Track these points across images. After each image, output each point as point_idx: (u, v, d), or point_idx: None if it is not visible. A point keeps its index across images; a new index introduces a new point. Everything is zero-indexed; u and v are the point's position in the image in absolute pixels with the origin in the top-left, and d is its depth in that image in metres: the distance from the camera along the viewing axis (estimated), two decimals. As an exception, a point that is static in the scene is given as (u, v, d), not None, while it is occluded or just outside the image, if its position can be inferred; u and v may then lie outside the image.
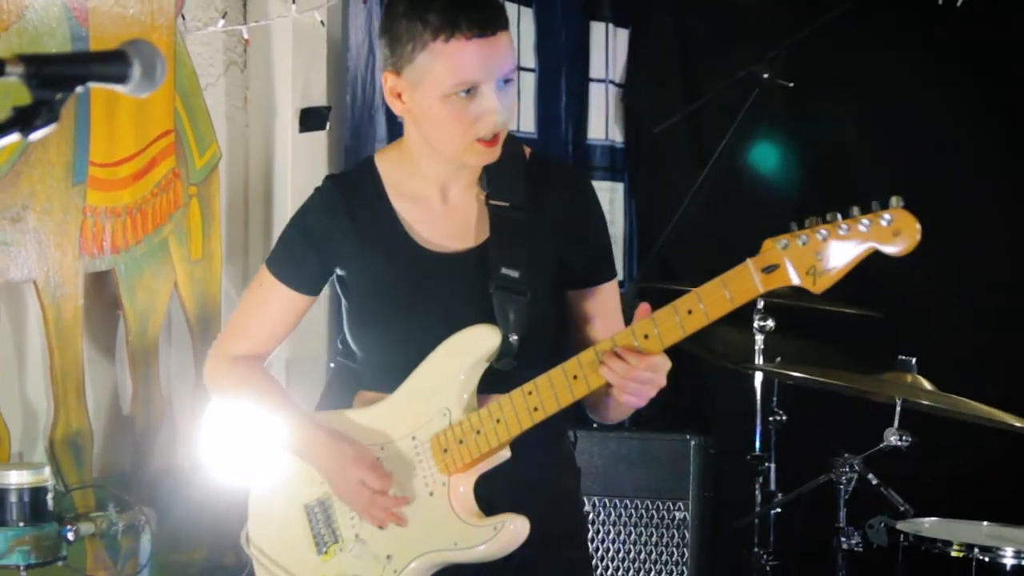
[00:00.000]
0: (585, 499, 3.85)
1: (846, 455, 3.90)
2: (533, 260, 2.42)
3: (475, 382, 2.40)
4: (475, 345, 2.39)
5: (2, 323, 3.47)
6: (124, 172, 3.68)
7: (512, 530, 2.36)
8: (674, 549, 3.83)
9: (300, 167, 4.14)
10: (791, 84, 4.69)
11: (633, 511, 3.85)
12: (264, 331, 2.57)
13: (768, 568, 4.13)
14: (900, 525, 3.80)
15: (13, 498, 3.29)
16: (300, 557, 2.52)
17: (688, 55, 5.42)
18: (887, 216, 2.12)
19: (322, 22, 4.04)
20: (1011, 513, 3.90)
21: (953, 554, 3.64)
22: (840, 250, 2.14)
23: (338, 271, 2.51)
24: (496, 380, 2.39)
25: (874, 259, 2.23)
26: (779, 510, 4.19)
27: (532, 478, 2.44)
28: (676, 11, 5.41)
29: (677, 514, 3.81)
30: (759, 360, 4.11)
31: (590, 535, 3.86)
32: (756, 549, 4.17)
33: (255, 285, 2.59)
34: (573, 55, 5.17)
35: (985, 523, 3.92)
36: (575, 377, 2.31)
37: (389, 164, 2.50)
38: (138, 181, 3.73)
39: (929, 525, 3.88)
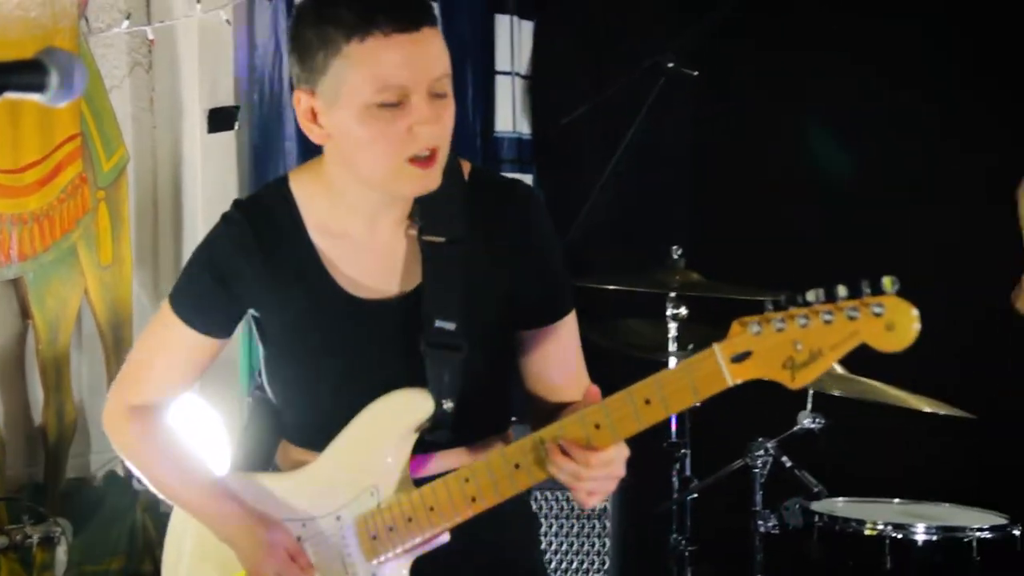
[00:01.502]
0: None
1: (760, 439, 3.96)
2: (472, 307, 2.15)
3: (406, 455, 2.15)
4: (404, 414, 2.14)
5: (-94, 334, 3.42)
6: (29, 178, 3.65)
7: None
8: (595, 539, 3.86)
9: (210, 167, 4.12)
10: (695, 73, 4.74)
11: (554, 503, 3.88)
12: (168, 378, 2.27)
13: (686, 553, 4.18)
14: (814, 506, 3.87)
15: (-78, 513, 3.27)
16: None
17: (594, 46, 5.46)
18: (878, 306, 1.82)
19: (228, 21, 4.01)
20: (920, 490, 3.99)
21: (867, 532, 3.73)
22: (824, 342, 1.86)
23: (252, 311, 2.24)
24: (430, 448, 2.17)
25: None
26: (696, 496, 4.24)
27: (478, 551, 2.20)
28: (581, 2, 5.44)
29: (596, 505, 3.85)
30: (672, 348, 4.15)
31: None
32: (674, 535, 4.21)
33: (157, 326, 2.29)
34: (478, 48, 5.18)
35: (896, 500, 4.01)
36: (517, 466, 2.07)
37: (307, 191, 2.20)
38: (44, 187, 3.69)
39: (842, 505, 3.97)
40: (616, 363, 4.74)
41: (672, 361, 4.24)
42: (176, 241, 4.08)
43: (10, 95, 1.57)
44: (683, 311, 4.15)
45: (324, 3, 2.04)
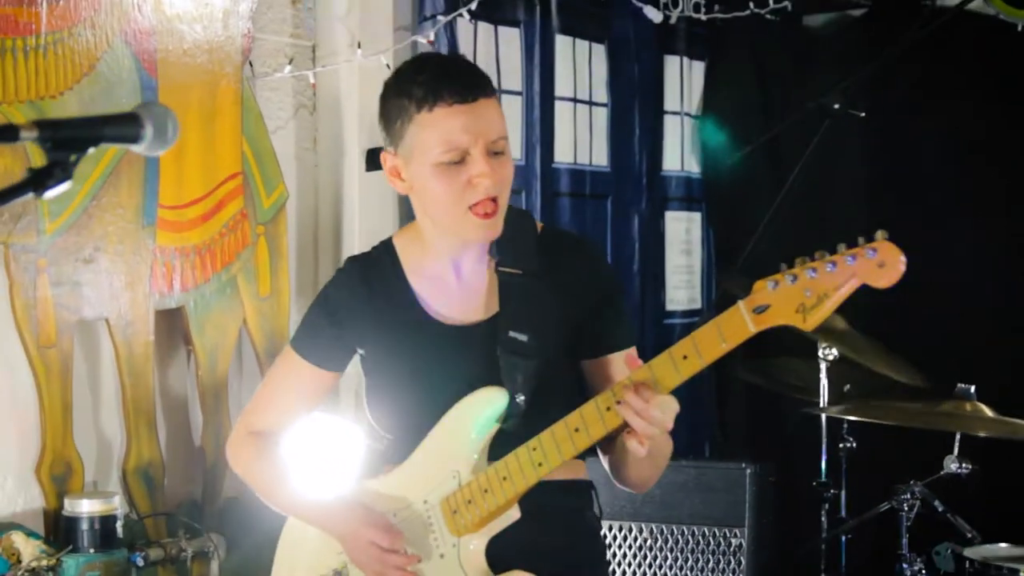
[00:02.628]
0: (643, 525, 3.91)
1: (910, 482, 3.91)
2: (541, 325, 2.45)
3: (484, 443, 2.45)
4: (482, 406, 2.44)
5: (77, 359, 3.62)
6: (192, 214, 3.84)
7: None
8: (730, 574, 3.86)
9: (367, 204, 4.25)
10: (862, 114, 4.72)
11: (690, 537, 3.89)
12: (286, 407, 2.65)
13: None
14: (967, 551, 3.79)
15: (84, 526, 3.46)
16: None
17: (764, 85, 5.48)
18: (872, 250, 2.13)
19: (388, 65, 4.16)
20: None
21: (1018, 579, 3.64)
22: (829, 286, 2.15)
23: (359, 350, 2.59)
24: (506, 442, 2.43)
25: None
26: (849, 535, 4.19)
27: (546, 544, 2.47)
28: (752, 43, 5.46)
29: (733, 540, 3.84)
30: (824, 388, 4.12)
31: (648, 560, 3.91)
32: (823, 575, 4.18)
33: (280, 363, 2.69)
34: (646, 88, 5.24)
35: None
36: (576, 429, 2.34)
37: (405, 243, 2.57)
38: (207, 222, 3.88)
39: (996, 551, 3.87)
40: (771, 400, 4.76)
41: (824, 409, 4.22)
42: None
43: (106, 145, 1.72)
44: (834, 352, 4.12)
45: (402, 80, 2.43)
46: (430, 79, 2.36)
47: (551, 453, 2.37)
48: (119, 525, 3.52)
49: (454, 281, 2.52)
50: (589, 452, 2.47)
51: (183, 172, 3.82)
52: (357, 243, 4.17)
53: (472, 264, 2.52)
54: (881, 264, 2.12)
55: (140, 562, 3.56)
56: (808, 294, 2.16)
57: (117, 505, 3.53)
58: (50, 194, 1.65)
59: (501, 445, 2.44)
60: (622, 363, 2.44)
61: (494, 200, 2.39)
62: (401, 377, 2.52)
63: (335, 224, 4.29)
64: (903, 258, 2.13)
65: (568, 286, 2.49)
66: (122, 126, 1.71)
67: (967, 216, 5.03)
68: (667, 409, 2.27)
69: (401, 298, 2.53)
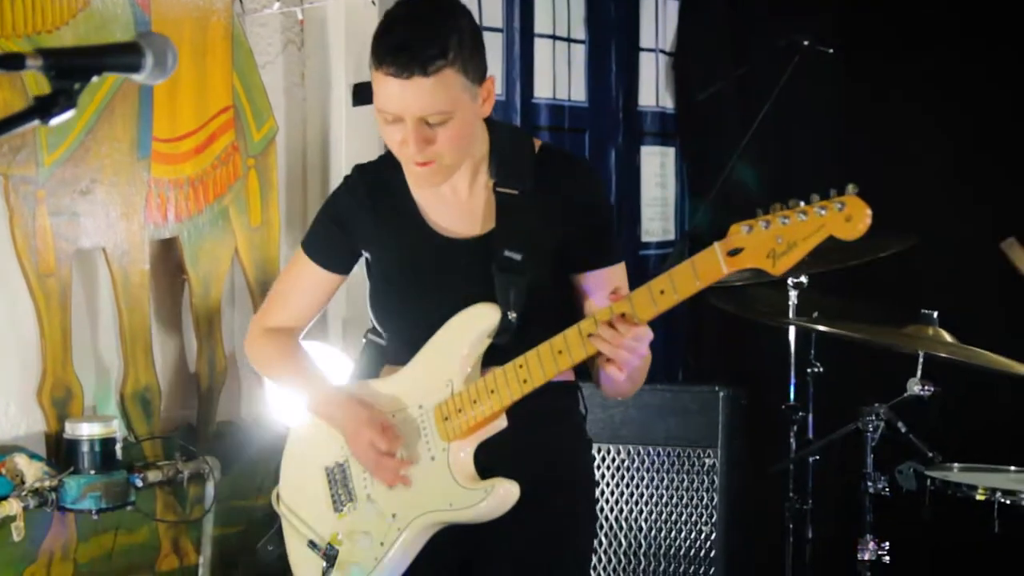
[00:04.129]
0: (621, 447, 4.07)
1: (874, 404, 4.06)
2: (535, 244, 2.59)
3: (477, 356, 2.61)
4: (476, 322, 2.59)
5: (76, 288, 3.72)
6: (186, 146, 3.95)
7: (502, 493, 2.57)
8: (704, 494, 4.02)
9: (353, 138, 4.35)
10: (831, 50, 4.85)
11: (665, 458, 4.06)
12: (298, 306, 2.84)
13: (802, 510, 4.31)
14: (928, 471, 3.96)
15: (85, 448, 3.56)
16: (320, 515, 2.78)
17: (737, 23, 5.59)
18: (840, 203, 2.26)
19: (373, 2, 4.26)
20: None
21: (977, 497, 3.81)
22: (799, 234, 2.28)
23: (364, 253, 2.76)
24: (498, 355, 2.60)
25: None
26: (816, 457, 4.36)
27: (531, 444, 2.65)
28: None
29: (707, 460, 4.01)
30: (792, 315, 4.28)
31: (626, 480, 4.07)
32: (791, 494, 4.35)
33: (291, 264, 2.87)
34: (622, 26, 5.36)
35: (1012, 468, 4.07)
36: (560, 352, 2.51)
37: None
38: (199, 154, 3.99)
39: (956, 471, 4.04)
40: (741, 327, 4.91)
41: (792, 330, 4.38)
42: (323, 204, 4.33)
43: (108, 74, 1.74)
44: (803, 279, 4.27)
45: (381, 24, 2.54)
46: (383, 44, 2.49)
47: (535, 372, 2.54)
48: (118, 448, 3.63)
49: (452, 195, 2.66)
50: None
51: (176, 106, 3.92)
52: (344, 174, 4.26)
53: (469, 180, 2.66)
54: (848, 218, 2.24)
55: (139, 483, 3.68)
56: (779, 241, 2.29)
57: (116, 428, 3.63)
58: (55, 121, 1.68)
59: (494, 358, 2.60)
60: (614, 275, 2.65)
61: (428, 162, 2.54)
62: (400, 283, 2.69)
63: (322, 157, 4.40)
64: (869, 212, 2.24)
65: (561, 205, 2.63)
66: (124, 55, 1.74)
67: (933, 152, 5.18)
68: (641, 338, 2.45)
69: (403, 208, 2.68)
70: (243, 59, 4.11)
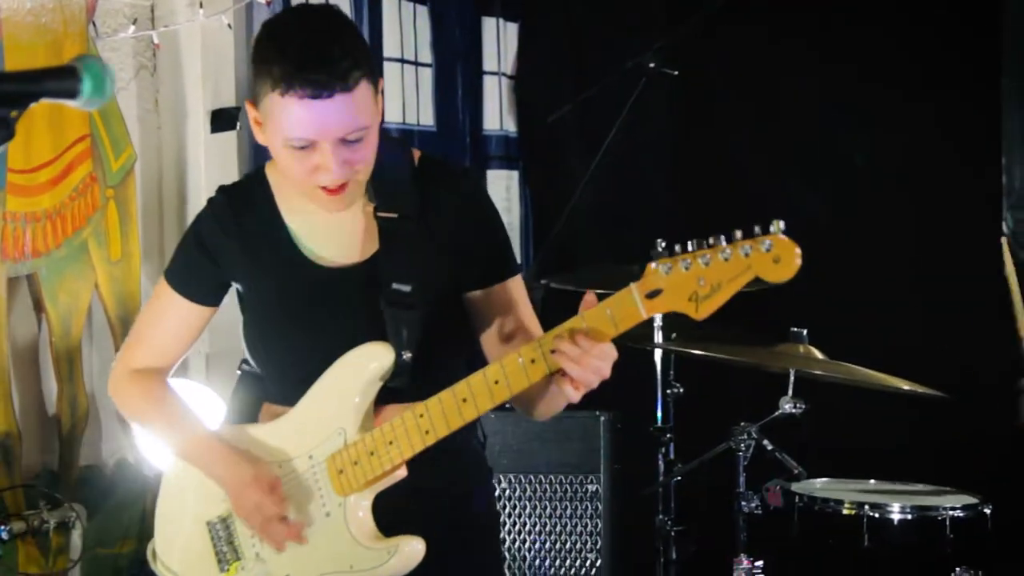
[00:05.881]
0: (501, 476, 4.03)
1: (743, 423, 4.11)
2: (424, 273, 2.39)
3: (370, 401, 2.39)
4: (368, 364, 2.37)
5: (-71, 329, 3.52)
6: (42, 178, 3.76)
7: (407, 552, 2.37)
8: (587, 520, 4.02)
9: (213, 166, 4.22)
10: (676, 72, 4.90)
11: (548, 486, 4.03)
12: (164, 343, 2.56)
13: (672, 532, 4.34)
14: (795, 487, 4.02)
15: (-58, 502, 3.38)
16: (203, 574, 2.52)
17: (578, 47, 5.62)
18: (767, 242, 2.06)
19: (229, 25, 4.13)
20: (896, 470, 4.16)
21: (845, 512, 3.88)
22: (723, 276, 2.08)
23: (234, 284, 2.52)
24: (394, 394, 2.39)
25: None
26: (680, 478, 4.39)
27: (433, 489, 2.45)
28: (565, 5, 5.60)
29: (590, 487, 4.00)
30: (658, 337, 4.30)
31: (508, 510, 4.03)
32: (660, 516, 4.38)
33: (154, 297, 2.58)
34: (468, 50, 5.34)
35: (872, 481, 4.18)
36: (464, 400, 2.29)
37: (279, 176, 2.46)
38: (56, 186, 3.80)
39: (821, 485, 4.12)
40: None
41: (658, 353, 4.41)
42: (181, 236, 4.18)
43: (45, 101, 1.64)
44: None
45: (267, 47, 2.29)
46: (289, 64, 2.24)
47: (438, 423, 2.32)
48: (-22, 500, 3.45)
49: (327, 217, 2.43)
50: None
51: (31, 135, 3.74)
52: (203, 205, 4.13)
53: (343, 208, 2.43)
54: (776, 259, 2.05)
55: (4, 536, 3.49)
56: (702, 283, 2.09)
57: (-25, 479, 3.46)
58: (-3, 152, 1.61)
59: (389, 398, 2.40)
60: (512, 290, 2.46)
61: (342, 185, 2.33)
62: (277, 317, 2.47)
63: (179, 187, 4.25)
64: (798, 252, 2.05)
65: (448, 227, 2.43)
66: (61, 80, 1.64)
67: (780, 178, 5.29)
68: (606, 357, 2.21)
69: (275, 235, 2.45)
70: (99, 85, 3.92)
